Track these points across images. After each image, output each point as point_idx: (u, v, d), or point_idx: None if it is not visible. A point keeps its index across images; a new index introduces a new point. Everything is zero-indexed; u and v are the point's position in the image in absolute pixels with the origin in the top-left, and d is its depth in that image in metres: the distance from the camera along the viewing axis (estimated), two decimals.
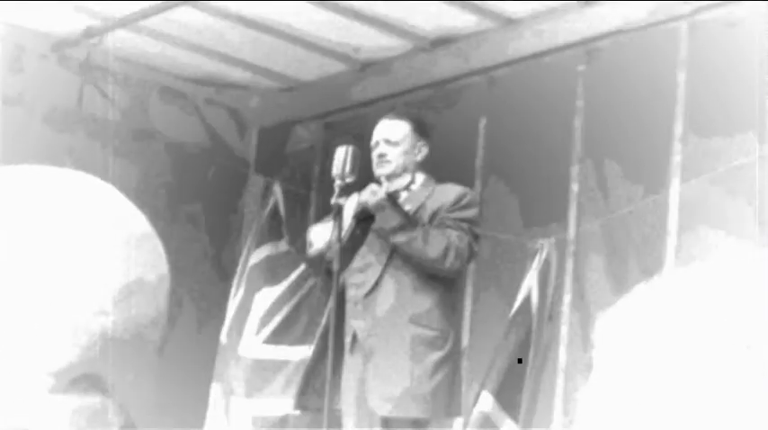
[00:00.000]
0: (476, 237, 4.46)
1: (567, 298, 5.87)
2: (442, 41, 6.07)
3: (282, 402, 6.22)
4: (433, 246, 4.32)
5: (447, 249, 4.32)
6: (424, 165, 4.57)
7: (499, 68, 6.20)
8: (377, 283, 4.40)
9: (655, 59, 5.68)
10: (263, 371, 6.28)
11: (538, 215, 6.02)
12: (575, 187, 5.93)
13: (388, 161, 4.49)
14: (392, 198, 4.37)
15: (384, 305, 4.38)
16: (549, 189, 6.01)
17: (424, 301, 4.38)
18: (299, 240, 6.23)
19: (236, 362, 6.32)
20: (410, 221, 4.36)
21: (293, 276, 6.43)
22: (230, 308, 6.45)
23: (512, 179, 6.20)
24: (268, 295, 6.39)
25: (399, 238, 4.33)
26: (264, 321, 6.33)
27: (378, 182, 4.51)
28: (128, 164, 6.50)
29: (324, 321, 4.43)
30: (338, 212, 4.30)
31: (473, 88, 6.37)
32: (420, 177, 4.56)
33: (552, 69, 6.02)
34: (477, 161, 6.33)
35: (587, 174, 5.91)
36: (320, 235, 4.45)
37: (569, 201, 5.91)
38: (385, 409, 4.28)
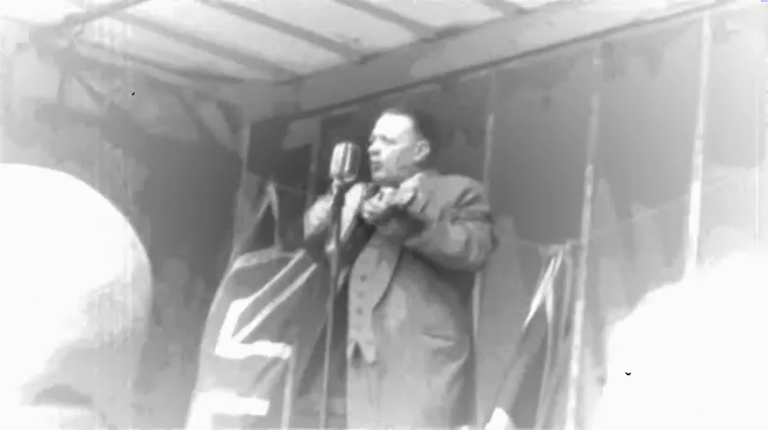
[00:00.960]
0: (493, 226, 4.41)
1: (579, 306, 5.81)
2: (449, 32, 6.05)
3: (247, 401, 6.21)
4: (452, 241, 4.25)
5: (468, 242, 4.26)
6: (423, 166, 4.50)
7: (509, 62, 6.16)
8: (385, 295, 4.34)
9: (676, 53, 5.64)
10: (230, 368, 6.24)
11: (550, 219, 5.99)
12: (589, 189, 5.87)
13: (380, 160, 4.43)
14: (395, 207, 4.25)
15: (395, 318, 4.33)
16: (561, 191, 5.96)
17: (438, 311, 4.34)
18: (294, 240, 6.21)
19: (209, 360, 6.28)
20: (423, 221, 4.25)
21: (275, 278, 6.37)
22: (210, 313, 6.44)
23: (522, 180, 6.16)
24: (248, 300, 6.34)
25: (412, 242, 4.26)
26: (242, 322, 6.29)
27: (376, 186, 4.45)
28: (109, 161, 6.45)
29: (323, 325, 4.37)
30: (336, 213, 4.23)
31: (481, 82, 6.32)
32: (421, 176, 4.48)
33: (566, 63, 5.98)
34: (486, 160, 6.29)
35: (602, 175, 5.87)
36: (319, 215, 4.40)
37: (583, 203, 5.86)
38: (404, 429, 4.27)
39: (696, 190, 5.48)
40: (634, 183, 5.80)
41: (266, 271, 6.44)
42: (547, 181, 6.04)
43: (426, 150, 4.47)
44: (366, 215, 4.28)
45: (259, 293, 6.34)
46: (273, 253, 6.48)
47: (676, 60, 5.63)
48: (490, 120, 6.31)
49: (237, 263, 6.44)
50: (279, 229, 6.53)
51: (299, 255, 6.35)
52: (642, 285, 5.68)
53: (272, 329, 6.31)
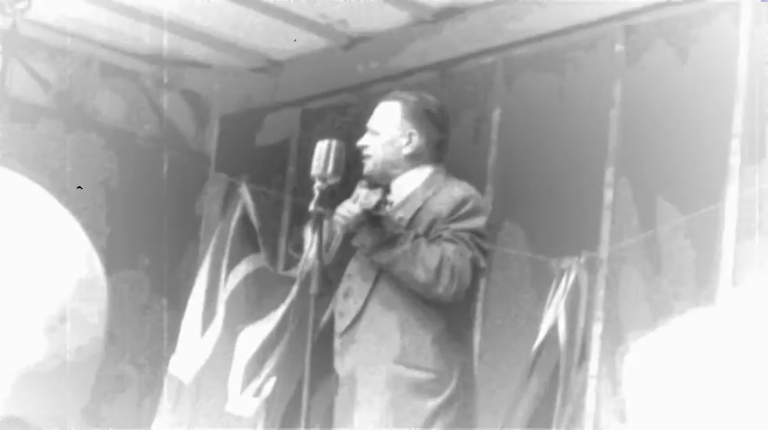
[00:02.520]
0: (483, 252, 4.32)
1: (596, 330, 5.76)
2: (448, 12, 6.09)
3: None
4: (423, 265, 4.19)
5: (439, 269, 4.18)
6: (421, 160, 4.40)
7: (518, 47, 6.17)
8: (359, 315, 4.29)
9: (709, 39, 5.63)
10: (237, 421, 6.45)
11: (563, 228, 5.96)
12: (609, 194, 5.83)
13: (368, 154, 4.39)
14: (369, 213, 4.22)
15: (366, 342, 4.28)
16: (577, 196, 5.94)
17: (418, 336, 4.25)
18: (272, 255, 6.49)
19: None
20: (396, 235, 4.22)
21: (279, 314, 6.38)
22: (204, 344, 6.44)
23: (531, 182, 6.14)
24: (253, 337, 6.37)
25: (380, 258, 4.21)
26: (250, 374, 6.35)
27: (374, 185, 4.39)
28: (59, 158, 6.48)
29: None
30: (317, 222, 4.17)
31: (485, 71, 6.32)
32: (423, 172, 4.39)
33: (582, 49, 5.99)
34: (490, 160, 6.26)
35: (624, 178, 5.83)
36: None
37: (602, 211, 5.82)
38: None
39: (732, 195, 5.44)
40: (660, 187, 5.73)
41: (258, 284, 6.44)
42: (560, 184, 6.01)
43: (417, 141, 4.37)
44: (339, 221, 4.25)
45: (265, 333, 6.34)
46: (259, 259, 6.50)
47: (710, 47, 5.62)
48: (495, 114, 6.29)
49: (231, 279, 6.45)
50: (261, 237, 6.57)
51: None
52: (669, 305, 5.59)
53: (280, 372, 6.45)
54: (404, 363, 4.22)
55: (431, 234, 4.26)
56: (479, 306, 6.11)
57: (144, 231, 6.85)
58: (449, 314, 4.28)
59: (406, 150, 4.36)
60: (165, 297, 6.91)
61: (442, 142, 4.43)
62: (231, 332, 6.40)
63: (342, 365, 4.31)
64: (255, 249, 6.50)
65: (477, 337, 6.11)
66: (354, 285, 4.33)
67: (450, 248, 4.21)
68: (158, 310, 6.86)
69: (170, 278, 6.96)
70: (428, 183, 4.37)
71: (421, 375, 4.22)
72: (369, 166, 4.36)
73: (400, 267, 4.19)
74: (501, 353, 6.06)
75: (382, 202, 4.21)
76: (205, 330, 6.44)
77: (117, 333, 6.57)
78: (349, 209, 4.21)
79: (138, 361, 6.80)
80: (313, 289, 4.13)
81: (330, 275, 4.31)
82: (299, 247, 4.70)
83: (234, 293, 6.44)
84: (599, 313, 5.74)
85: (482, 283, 6.00)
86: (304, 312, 4.33)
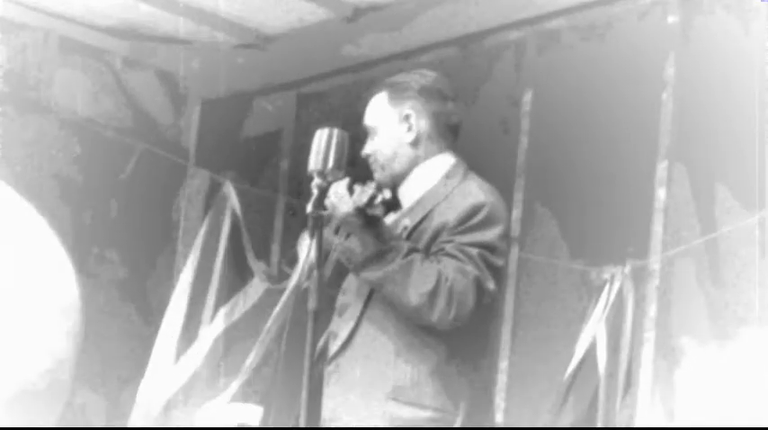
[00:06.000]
0: (493, 270, 4.19)
1: (646, 351, 5.71)
2: None
3: None
4: (415, 287, 4.11)
5: (435, 293, 4.10)
6: (430, 144, 4.31)
7: (551, 20, 6.17)
8: (349, 339, 4.24)
9: None
10: None
11: (606, 232, 5.93)
12: (661, 192, 5.79)
13: (374, 161, 4.33)
14: (364, 212, 4.15)
15: (355, 371, 4.22)
16: (622, 195, 5.91)
17: (415, 367, 4.19)
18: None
19: None
20: (388, 248, 4.14)
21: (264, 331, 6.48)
22: (178, 371, 6.62)
23: (567, 178, 6.11)
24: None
25: (369, 274, 4.15)
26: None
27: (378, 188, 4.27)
28: (12, 148, 6.47)
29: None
30: (316, 226, 4.08)
31: (513, 48, 6.34)
32: (440, 166, 4.31)
33: (628, 21, 5.98)
34: (519, 152, 6.24)
35: (680, 174, 5.79)
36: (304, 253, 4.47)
37: (652, 213, 5.78)
38: None
39: None
40: (723, 184, 5.70)
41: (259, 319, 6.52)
42: (602, 181, 5.98)
43: (417, 120, 4.28)
44: (332, 210, 4.16)
45: (248, 362, 6.47)
46: (259, 289, 6.58)
47: None
48: (526, 98, 6.28)
49: (219, 321, 6.62)
50: (251, 251, 6.66)
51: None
52: (733, 324, 5.55)
53: None
54: (398, 399, 4.16)
55: (433, 246, 4.19)
56: (508, 327, 6.13)
57: (111, 236, 6.87)
58: (453, 340, 4.20)
59: (409, 137, 4.28)
60: (135, 313, 6.94)
61: (451, 120, 4.34)
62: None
63: (329, 396, 4.27)
64: (244, 269, 6.61)
65: (504, 363, 6.19)
66: (348, 303, 4.29)
67: (451, 266, 4.13)
68: (127, 325, 6.87)
69: (140, 290, 6.98)
70: (443, 183, 4.30)
71: (417, 413, 4.16)
72: (380, 175, 4.30)
73: (391, 288, 4.13)
74: (532, 380, 6.05)
75: (375, 197, 4.11)
76: (180, 355, 6.55)
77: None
78: (339, 194, 4.14)
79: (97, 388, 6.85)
80: (311, 304, 4.05)
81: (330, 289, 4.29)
82: (294, 261, 4.70)
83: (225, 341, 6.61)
84: (649, 333, 5.69)
85: (510, 298, 6.00)
86: (300, 332, 4.32)
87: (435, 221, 4.21)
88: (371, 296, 4.21)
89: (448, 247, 4.14)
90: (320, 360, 4.26)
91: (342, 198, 4.13)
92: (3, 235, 2.83)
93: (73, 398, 6.63)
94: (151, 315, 6.76)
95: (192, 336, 6.61)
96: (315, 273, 4.07)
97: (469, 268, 4.13)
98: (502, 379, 6.10)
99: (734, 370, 5.56)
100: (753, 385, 5.39)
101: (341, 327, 4.25)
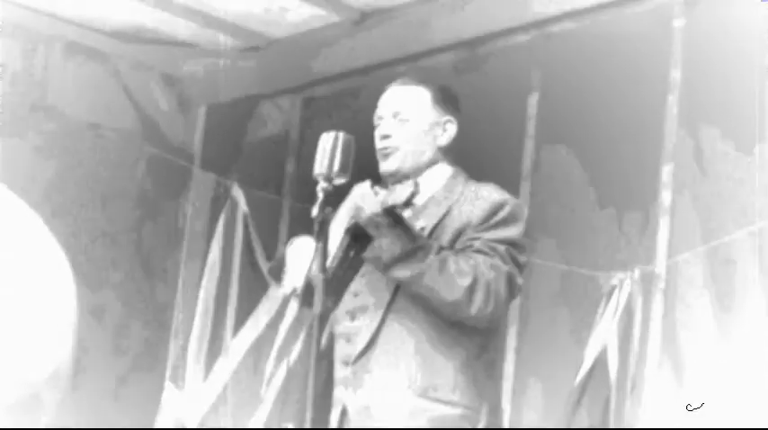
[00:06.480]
0: (519, 266, 4.24)
1: (653, 356, 5.72)
2: None
3: None
4: (453, 283, 4.12)
5: (473, 287, 4.12)
6: (449, 153, 4.36)
7: (558, 22, 6.17)
8: (373, 339, 4.23)
9: None
10: None
11: (613, 237, 5.95)
12: (667, 196, 5.80)
13: (394, 146, 4.32)
14: (392, 212, 4.14)
15: (383, 372, 4.21)
16: (629, 199, 5.93)
17: (444, 366, 4.21)
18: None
19: None
20: (419, 246, 4.15)
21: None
22: (209, 386, 6.71)
23: (574, 183, 6.13)
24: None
25: (400, 273, 4.15)
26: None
27: (379, 183, 4.30)
28: (17, 152, 6.48)
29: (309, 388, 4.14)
30: (321, 229, 4.02)
31: (520, 50, 6.34)
32: (443, 171, 4.35)
33: (636, 25, 5.96)
34: (525, 153, 6.26)
35: (687, 178, 5.80)
36: (299, 258, 4.33)
37: (659, 216, 5.79)
38: None
39: None
40: (730, 187, 5.70)
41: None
42: (608, 185, 6.01)
43: (452, 130, 4.34)
44: (357, 211, 4.16)
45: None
46: (278, 294, 6.50)
47: None
48: (532, 101, 6.31)
49: (248, 331, 6.64)
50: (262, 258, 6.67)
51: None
52: (740, 328, 5.53)
53: None
54: (428, 397, 4.18)
55: (458, 244, 4.21)
56: (514, 329, 6.14)
57: (115, 242, 6.88)
58: (480, 338, 4.25)
59: (441, 141, 4.32)
60: (140, 318, 6.96)
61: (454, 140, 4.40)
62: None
63: (354, 397, 4.24)
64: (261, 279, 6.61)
65: (510, 367, 6.17)
66: (365, 305, 4.28)
67: (483, 263, 4.16)
68: (133, 336, 6.89)
69: (144, 299, 6.96)
70: (449, 187, 4.34)
71: (447, 410, 4.18)
72: (394, 163, 4.30)
73: (424, 284, 4.13)
74: (538, 384, 6.06)
75: (414, 195, 4.10)
76: (209, 370, 6.64)
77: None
78: (364, 193, 4.14)
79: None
80: (316, 308, 3.94)
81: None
82: (277, 270, 4.69)
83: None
84: (656, 337, 5.70)
85: (516, 303, 5.99)
86: (303, 338, 4.31)
87: (456, 220, 4.24)
88: (395, 298, 4.21)
89: (477, 244, 4.18)
90: (322, 361, 4.21)
91: (367, 198, 4.15)
92: (3, 236, 2.81)
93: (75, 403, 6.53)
94: (155, 317, 6.79)
95: (215, 348, 6.73)
96: (320, 276, 3.98)
97: (500, 264, 4.18)
98: (507, 383, 6.11)
99: (742, 373, 5.45)
100: (757, 387, 5.37)
101: (360, 330, 4.26)
